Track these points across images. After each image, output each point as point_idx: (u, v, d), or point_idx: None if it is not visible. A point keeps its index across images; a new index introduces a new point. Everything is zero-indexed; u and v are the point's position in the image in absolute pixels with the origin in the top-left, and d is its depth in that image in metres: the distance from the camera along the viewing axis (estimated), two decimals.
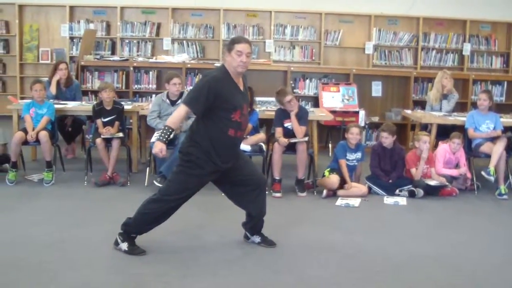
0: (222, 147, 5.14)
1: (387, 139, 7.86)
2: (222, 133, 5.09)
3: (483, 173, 7.98)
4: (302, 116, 7.75)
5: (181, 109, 5.17)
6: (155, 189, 7.40)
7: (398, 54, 13.86)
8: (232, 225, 5.40)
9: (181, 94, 7.93)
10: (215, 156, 5.12)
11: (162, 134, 5.16)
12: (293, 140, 7.54)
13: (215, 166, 5.16)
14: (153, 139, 7.62)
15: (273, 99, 9.20)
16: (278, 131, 7.75)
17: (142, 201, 7.16)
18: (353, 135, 7.84)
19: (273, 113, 8.27)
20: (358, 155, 7.92)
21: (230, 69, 5.11)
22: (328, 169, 7.84)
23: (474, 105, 10.37)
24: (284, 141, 7.51)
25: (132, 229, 5.36)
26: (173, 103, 7.91)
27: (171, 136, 5.23)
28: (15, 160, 7.86)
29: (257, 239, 5.64)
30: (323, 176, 7.83)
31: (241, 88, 5.22)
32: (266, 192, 5.71)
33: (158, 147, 5.18)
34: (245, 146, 7.39)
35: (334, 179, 7.62)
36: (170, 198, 5.24)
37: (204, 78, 5.15)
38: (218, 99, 5.01)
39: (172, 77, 7.86)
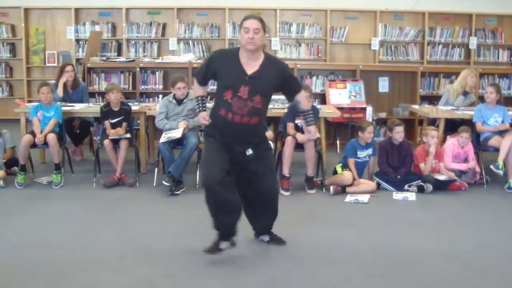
0: (216, 123, 5.11)
1: (400, 134, 7.83)
2: (215, 109, 5.13)
3: (492, 167, 7.95)
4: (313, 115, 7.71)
5: (196, 83, 5.37)
6: (164, 189, 7.47)
7: (404, 50, 13.82)
8: (241, 223, 5.38)
9: (187, 93, 7.93)
10: (213, 130, 5.15)
11: (198, 104, 5.33)
12: (307, 138, 7.51)
13: (219, 138, 5.12)
14: (162, 139, 7.62)
15: (280, 97, 9.19)
16: (291, 126, 7.73)
17: (151, 202, 7.23)
18: (371, 134, 7.84)
19: (280, 110, 8.27)
20: (369, 151, 7.91)
21: (242, 48, 5.04)
22: (340, 165, 7.84)
23: (482, 99, 10.33)
24: (302, 138, 7.49)
25: (214, 225, 5.21)
26: (180, 102, 7.92)
27: (206, 103, 5.36)
28: (24, 163, 7.88)
29: (266, 238, 5.63)
30: (335, 172, 7.82)
31: (250, 70, 5.01)
32: (275, 204, 5.50)
33: (202, 116, 5.20)
34: None
35: (347, 176, 7.62)
36: (203, 178, 5.13)
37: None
38: (215, 73, 5.12)
39: (176, 81, 7.86)
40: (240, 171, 5.20)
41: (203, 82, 5.35)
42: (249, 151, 5.12)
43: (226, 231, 5.19)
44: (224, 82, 5.06)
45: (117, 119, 8.12)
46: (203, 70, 5.23)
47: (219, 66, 5.06)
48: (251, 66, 5.02)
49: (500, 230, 6.28)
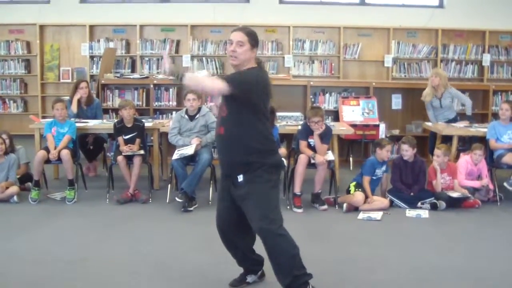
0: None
1: (408, 152, 7.84)
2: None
3: (505, 184, 7.93)
4: (325, 136, 7.74)
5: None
6: (177, 205, 7.48)
7: (417, 66, 13.80)
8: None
9: (199, 109, 7.96)
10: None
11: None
12: (322, 164, 7.54)
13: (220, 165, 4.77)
14: (175, 156, 7.64)
15: (293, 114, 9.23)
16: (304, 144, 7.75)
17: (163, 218, 7.23)
18: (388, 152, 7.85)
19: (293, 127, 8.28)
20: (384, 168, 7.91)
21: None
22: (354, 183, 7.81)
23: (495, 116, 10.32)
24: (321, 159, 7.52)
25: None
26: (192, 118, 7.94)
27: None
28: (38, 179, 7.91)
29: (251, 277, 5.08)
30: (348, 191, 7.81)
31: None
32: (272, 240, 4.49)
33: None
34: None
35: (359, 197, 7.58)
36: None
37: None
38: None
39: (187, 93, 7.89)
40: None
41: None
42: (240, 177, 4.52)
43: (247, 267, 5.02)
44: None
45: (131, 135, 8.15)
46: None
47: None
48: None
49: None
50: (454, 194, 7.71)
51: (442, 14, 13.81)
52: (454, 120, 9.72)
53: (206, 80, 4.37)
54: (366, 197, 7.64)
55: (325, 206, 7.65)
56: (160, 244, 6.15)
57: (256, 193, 4.48)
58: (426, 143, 10.47)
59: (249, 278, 5.01)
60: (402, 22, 13.69)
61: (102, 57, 12.25)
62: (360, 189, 7.69)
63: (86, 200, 7.98)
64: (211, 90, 4.44)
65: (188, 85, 4.46)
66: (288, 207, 7.54)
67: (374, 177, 7.84)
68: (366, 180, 7.77)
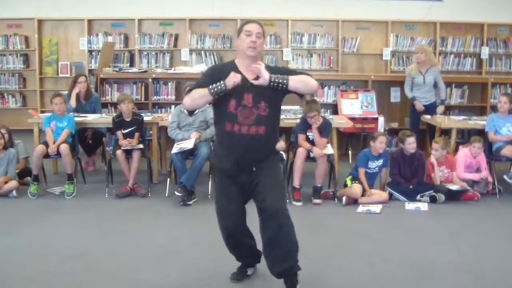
0: (223, 142, 4.67)
1: (412, 145, 7.83)
2: (220, 128, 4.64)
3: (505, 177, 7.95)
4: (324, 129, 7.75)
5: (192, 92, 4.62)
6: (176, 199, 7.48)
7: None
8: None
9: None
10: (220, 153, 4.72)
11: (217, 84, 4.41)
12: (320, 156, 7.55)
13: (226, 165, 4.66)
14: (174, 150, 7.65)
15: (291, 107, 9.22)
16: (302, 138, 7.77)
17: (163, 212, 7.24)
18: (382, 144, 7.83)
19: (292, 121, 8.28)
20: (380, 162, 7.90)
21: (240, 56, 4.65)
22: (350, 177, 7.82)
23: (493, 108, 10.32)
24: (319, 152, 7.55)
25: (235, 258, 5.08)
26: (191, 113, 7.92)
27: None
28: (37, 174, 7.92)
29: (251, 270, 5.15)
30: (345, 185, 7.82)
31: (251, 77, 4.51)
32: (283, 220, 4.55)
33: (233, 74, 4.45)
34: None
35: (357, 189, 7.60)
36: (217, 214, 4.78)
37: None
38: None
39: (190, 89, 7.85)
40: (249, 195, 4.75)
41: None
42: (255, 168, 4.61)
43: (247, 263, 5.09)
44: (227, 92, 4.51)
45: (129, 130, 8.15)
46: (203, 83, 4.58)
47: (216, 77, 4.51)
48: (251, 73, 4.53)
49: None
50: (453, 187, 7.72)
51: (440, 7, 13.80)
52: (433, 105, 9.87)
53: (306, 78, 4.61)
54: (364, 190, 7.66)
55: (319, 201, 7.66)
56: (160, 238, 6.15)
57: (275, 176, 4.69)
58: (425, 136, 10.49)
59: (249, 271, 5.07)
60: (400, 15, 13.70)
61: (101, 51, 12.23)
62: (356, 182, 7.70)
63: (85, 195, 7.99)
64: (315, 86, 4.70)
65: (296, 87, 4.54)
66: (287, 200, 7.54)
67: (369, 171, 7.85)
68: (361, 172, 7.78)
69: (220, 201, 4.74)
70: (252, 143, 4.52)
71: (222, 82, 4.42)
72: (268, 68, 4.54)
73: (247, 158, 4.57)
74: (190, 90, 4.61)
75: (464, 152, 8.12)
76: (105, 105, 10.76)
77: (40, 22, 13.74)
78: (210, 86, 4.44)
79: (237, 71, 4.52)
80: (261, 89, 4.48)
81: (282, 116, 8.62)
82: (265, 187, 4.56)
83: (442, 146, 7.94)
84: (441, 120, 9.23)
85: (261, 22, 4.72)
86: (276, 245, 4.54)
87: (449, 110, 10.91)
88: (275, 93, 4.55)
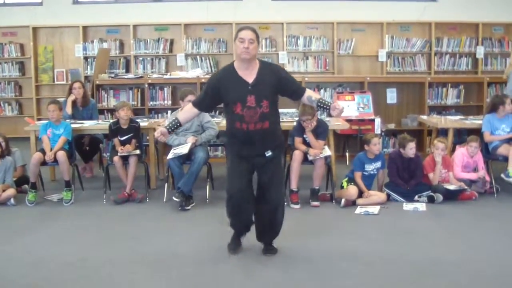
0: (236, 135, 5.38)
1: (413, 150, 7.83)
2: (231, 124, 5.39)
3: (502, 175, 7.94)
4: (321, 132, 7.77)
5: (189, 108, 5.64)
6: (174, 205, 7.47)
7: (411, 60, 13.83)
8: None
9: None
10: (235, 142, 5.44)
11: (169, 124, 5.54)
12: (316, 156, 7.56)
13: (239, 149, 5.42)
14: (170, 155, 7.64)
15: (288, 110, 9.22)
16: (299, 141, 7.76)
17: (161, 218, 7.24)
18: (377, 145, 7.83)
19: (289, 124, 8.27)
20: (378, 164, 7.89)
21: (237, 60, 5.34)
22: (346, 179, 7.82)
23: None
24: (315, 152, 7.56)
25: (230, 224, 5.74)
26: None
27: (177, 129, 5.67)
28: (34, 181, 7.90)
29: (242, 237, 5.85)
30: (342, 187, 7.82)
31: (250, 79, 5.28)
32: (279, 215, 5.60)
33: (159, 130, 5.50)
34: None
35: (352, 191, 7.59)
36: (228, 187, 5.47)
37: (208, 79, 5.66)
38: (218, 95, 5.36)
39: (186, 94, 7.84)
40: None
41: (208, 109, 5.98)
42: (269, 152, 5.38)
43: (240, 231, 5.73)
44: (232, 98, 5.27)
45: (126, 137, 8.15)
46: (207, 98, 5.49)
47: (223, 88, 5.31)
48: (249, 75, 5.29)
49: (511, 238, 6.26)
50: (451, 187, 7.72)
51: (435, 8, 13.86)
52: None
53: (337, 100, 5.49)
54: (361, 192, 7.65)
55: (317, 203, 7.64)
56: (158, 243, 6.14)
57: (279, 168, 5.68)
58: (422, 136, 10.50)
59: (242, 239, 5.80)
60: (395, 17, 13.73)
61: (96, 58, 12.25)
62: (352, 183, 7.70)
63: (83, 201, 7.98)
64: None
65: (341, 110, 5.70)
66: (285, 203, 7.54)
67: (365, 173, 7.84)
68: (357, 175, 7.78)
69: (232, 165, 5.49)
70: (260, 136, 5.31)
71: (176, 118, 5.54)
72: (262, 64, 5.43)
73: (259, 147, 5.36)
74: (195, 106, 5.55)
75: (461, 152, 8.13)
76: (101, 112, 10.76)
77: (35, 29, 13.76)
78: (168, 124, 5.55)
79: (237, 75, 5.28)
80: (261, 88, 5.25)
81: None
82: (274, 178, 5.49)
83: (447, 146, 7.96)
84: (437, 120, 9.24)
85: (254, 27, 5.37)
86: (275, 224, 5.61)
87: (445, 110, 10.94)
88: (273, 92, 5.36)
